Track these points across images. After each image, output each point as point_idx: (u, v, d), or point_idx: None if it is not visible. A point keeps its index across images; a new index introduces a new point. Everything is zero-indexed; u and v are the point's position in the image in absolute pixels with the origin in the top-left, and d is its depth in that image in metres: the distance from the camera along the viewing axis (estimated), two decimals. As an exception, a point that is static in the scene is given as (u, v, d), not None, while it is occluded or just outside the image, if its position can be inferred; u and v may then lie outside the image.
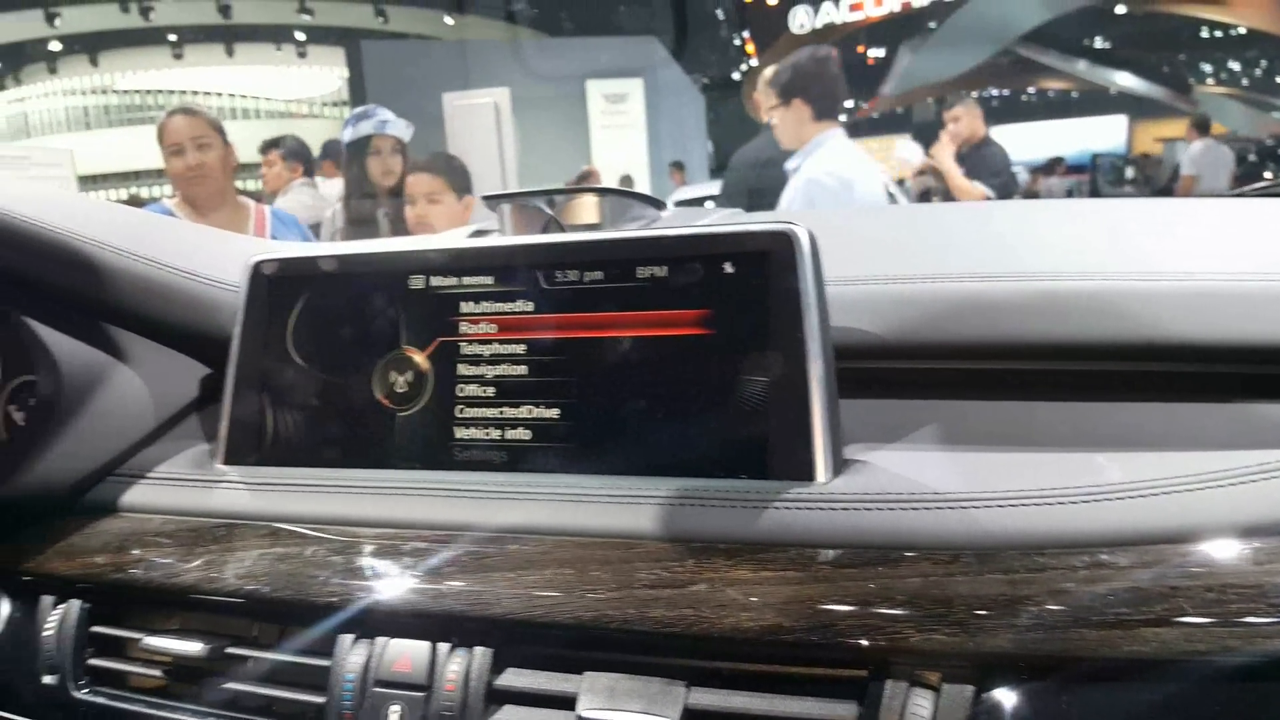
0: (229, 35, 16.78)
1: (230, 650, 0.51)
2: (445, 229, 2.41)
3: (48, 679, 0.54)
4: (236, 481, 0.59)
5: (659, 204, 0.78)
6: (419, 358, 0.58)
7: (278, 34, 17.07)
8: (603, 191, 0.76)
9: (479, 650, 0.46)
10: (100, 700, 0.53)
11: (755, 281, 0.51)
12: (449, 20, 15.97)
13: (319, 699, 0.48)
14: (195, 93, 18.10)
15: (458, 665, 0.46)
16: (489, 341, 0.57)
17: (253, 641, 0.52)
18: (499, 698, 0.46)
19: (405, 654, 0.47)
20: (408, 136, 2.90)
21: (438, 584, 0.48)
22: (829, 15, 14.72)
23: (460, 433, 0.57)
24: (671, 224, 0.64)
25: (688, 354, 0.52)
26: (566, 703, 0.44)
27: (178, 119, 2.22)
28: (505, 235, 0.76)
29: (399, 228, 2.62)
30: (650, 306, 0.53)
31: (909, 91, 17.55)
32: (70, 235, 0.60)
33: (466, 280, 0.58)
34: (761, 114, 3.00)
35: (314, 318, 0.62)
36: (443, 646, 0.47)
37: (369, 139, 2.82)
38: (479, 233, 0.78)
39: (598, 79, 11.63)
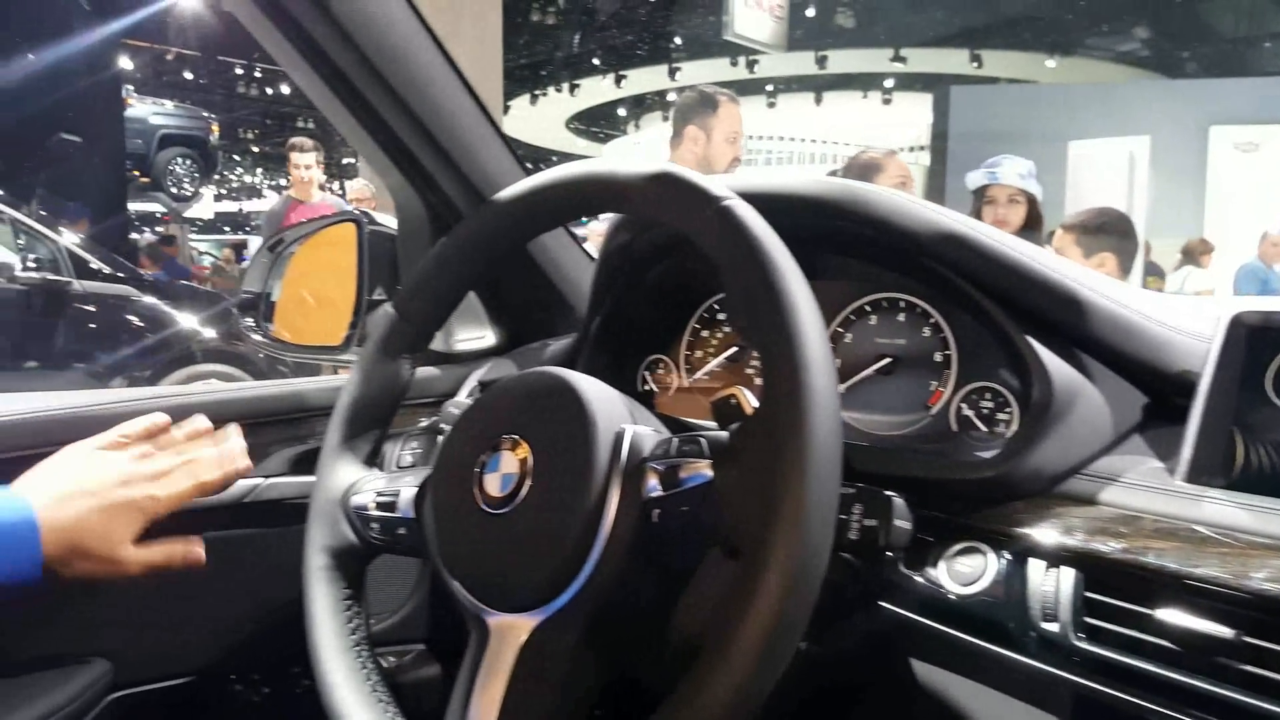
0: (819, 84, 18.29)
1: (1250, 640, 0.60)
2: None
3: (1048, 626, 0.68)
4: (1220, 499, 0.69)
5: None
6: None
7: (867, 82, 18.16)
8: None
9: None
10: (1103, 652, 0.66)
11: None
12: (1050, 63, 15.55)
13: None
14: (781, 138, 20.07)
15: None
16: None
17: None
18: None
19: None
20: (1029, 187, 2.91)
21: None
22: None
23: None
24: None
25: None
26: None
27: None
28: None
29: None
30: None
31: None
32: (1064, 276, 0.76)
33: None
34: None
35: None
36: None
37: (986, 187, 2.92)
38: None
39: (1226, 124, 10.42)
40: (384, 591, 1.17)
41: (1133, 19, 14.57)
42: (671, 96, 20.44)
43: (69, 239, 5.13)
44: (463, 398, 1.13)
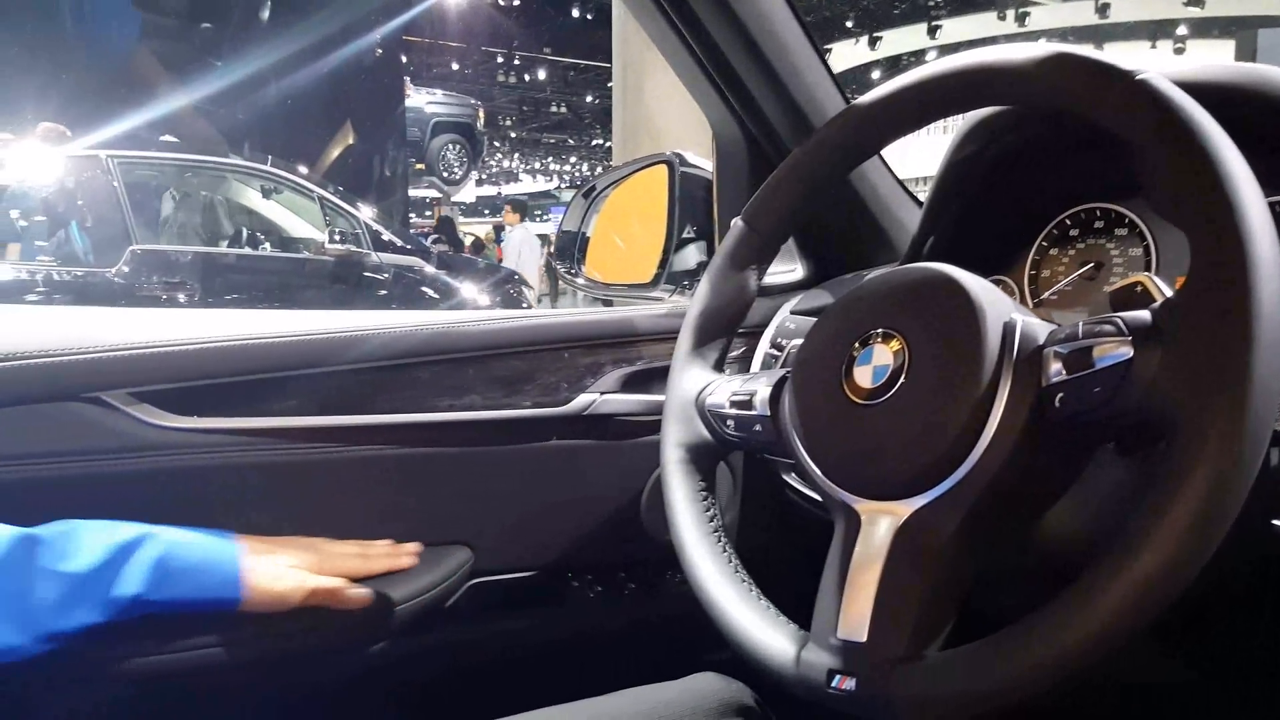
0: (1101, 35, 16.91)
1: None
2: None
3: None
4: None
5: None
6: None
7: (1155, 30, 16.60)
8: None
9: None
10: None
11: None
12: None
13: None
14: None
15: None
16: None
17: None
18: None
19: None
20: None
21: None
22: None
23: None
24: None
25: None
26: None
27: None
28: None
29: None
30: None
31: None
32: None
33: None
34: None
35: None
36: None
37: None
38: None
39: None
40: None
41: None
42: (930, 56, 19.63)
43: (366, 213, 5.70)
44: (774, 328, 1.16)
